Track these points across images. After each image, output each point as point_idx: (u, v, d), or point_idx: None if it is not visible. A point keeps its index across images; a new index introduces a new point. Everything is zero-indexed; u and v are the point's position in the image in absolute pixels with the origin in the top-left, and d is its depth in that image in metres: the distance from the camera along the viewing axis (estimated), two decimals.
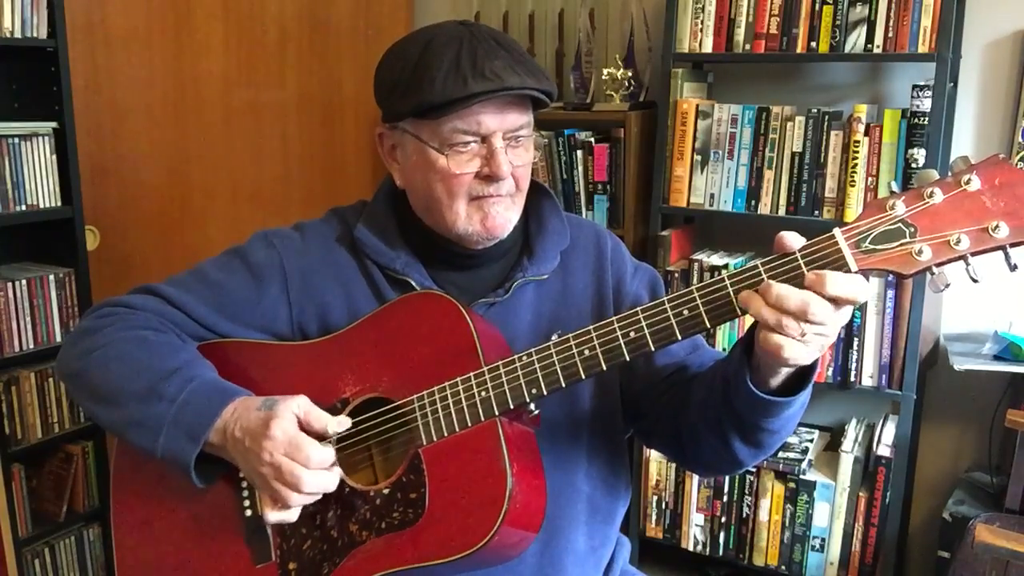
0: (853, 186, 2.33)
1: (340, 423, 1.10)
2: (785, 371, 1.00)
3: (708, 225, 2.80)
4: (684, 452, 1.22)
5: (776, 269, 0.95)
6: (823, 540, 2.52)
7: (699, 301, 0.98)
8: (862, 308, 2.37)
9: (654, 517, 2.72)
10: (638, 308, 1.02)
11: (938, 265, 0.91)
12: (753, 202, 2.49)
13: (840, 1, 2.32)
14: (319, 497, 1.08)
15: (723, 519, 2.64)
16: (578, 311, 1.25)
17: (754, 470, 2.55)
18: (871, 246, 0.93)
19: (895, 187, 0.96)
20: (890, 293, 2.35)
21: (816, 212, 2.42)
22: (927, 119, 2.23)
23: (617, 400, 1.25)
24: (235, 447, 1.08)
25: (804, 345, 0.93)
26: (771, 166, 2.46)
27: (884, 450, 2.43)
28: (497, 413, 1.06)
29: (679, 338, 1.00)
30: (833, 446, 2.66)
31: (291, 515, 1.08)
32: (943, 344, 2.53)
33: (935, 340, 2.57)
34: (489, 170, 1.13)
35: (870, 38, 2.30)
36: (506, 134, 1.14)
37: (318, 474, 1.06)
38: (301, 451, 1.04)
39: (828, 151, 2.38)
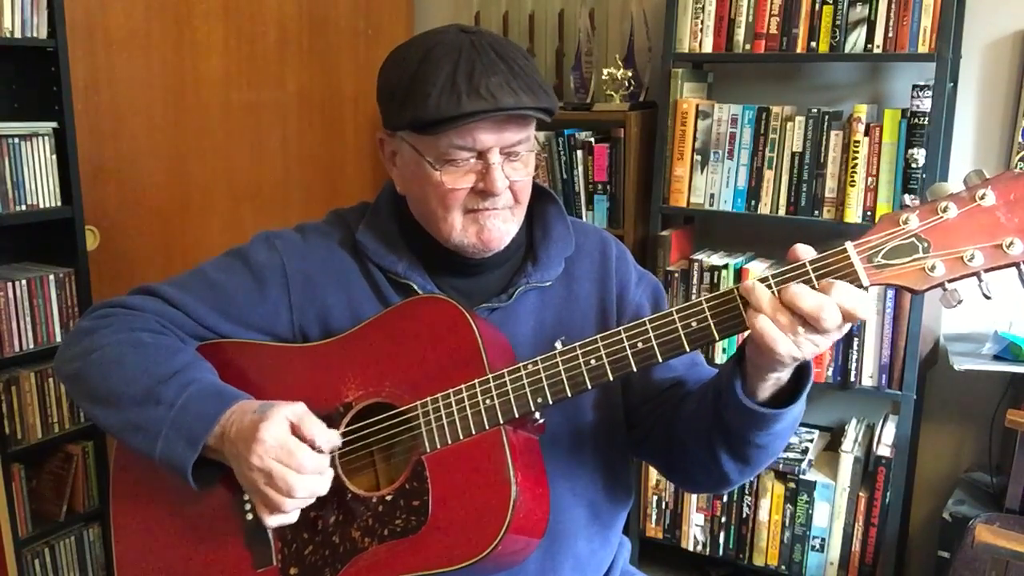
0: (853, 186, 2.33)
1: (330, 440, 1.08)
2: (773, 382, 1.00)
3: (708, 225, 2.80)
4: (673, 465, 1.22)
5: (786, 279, 0.94)
6: (823, 540, 2.53)
7: (708, 312, 0.97)
8: None
9: (654, 517, 2.72)
10: (645, 319, 1.01)
11: (951, 281, 0.90)
12: (753, 202, 2.49)
13: (840, 1, 2.31)
14: (312, 501, 1.07)
15: (723, 519, 2.64)
16: (581, 318, 1.24)
17: None
18: (883, 261, 0.92)
19: (908, 200, 0.95)
20: (890, 293, 2.35)
21: (816, 212, 2.42)
22: (927, 119, 2.23)
23: (620, 408, 1.25)
24: (230, 450, 1.07)
25: (796, 346, 0.92)
26: (771, 166, 2.45)
27: (884, 450, 2.44)
28: (502, 422, 1.06)
29: (687, 350, 0.99)
30: (833, 446, 2.67)
31: (289, 518, 1.08)
32: (943, 344, 2.53)
33: (935, 340, 2.57)
34: (484, 186, 1.12)
35: (870, 38, 2.30)
36: (504, 149, 1.12)
37: (309, 479, 1.04)
38: (293, 457, 1.03)
39: (828, 151, 2.38)
